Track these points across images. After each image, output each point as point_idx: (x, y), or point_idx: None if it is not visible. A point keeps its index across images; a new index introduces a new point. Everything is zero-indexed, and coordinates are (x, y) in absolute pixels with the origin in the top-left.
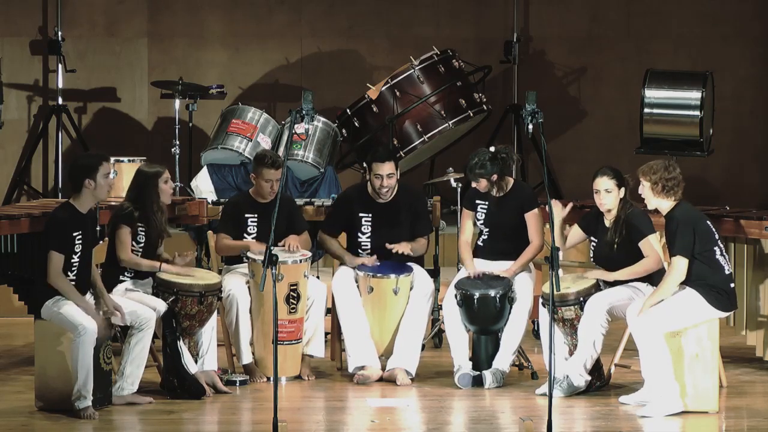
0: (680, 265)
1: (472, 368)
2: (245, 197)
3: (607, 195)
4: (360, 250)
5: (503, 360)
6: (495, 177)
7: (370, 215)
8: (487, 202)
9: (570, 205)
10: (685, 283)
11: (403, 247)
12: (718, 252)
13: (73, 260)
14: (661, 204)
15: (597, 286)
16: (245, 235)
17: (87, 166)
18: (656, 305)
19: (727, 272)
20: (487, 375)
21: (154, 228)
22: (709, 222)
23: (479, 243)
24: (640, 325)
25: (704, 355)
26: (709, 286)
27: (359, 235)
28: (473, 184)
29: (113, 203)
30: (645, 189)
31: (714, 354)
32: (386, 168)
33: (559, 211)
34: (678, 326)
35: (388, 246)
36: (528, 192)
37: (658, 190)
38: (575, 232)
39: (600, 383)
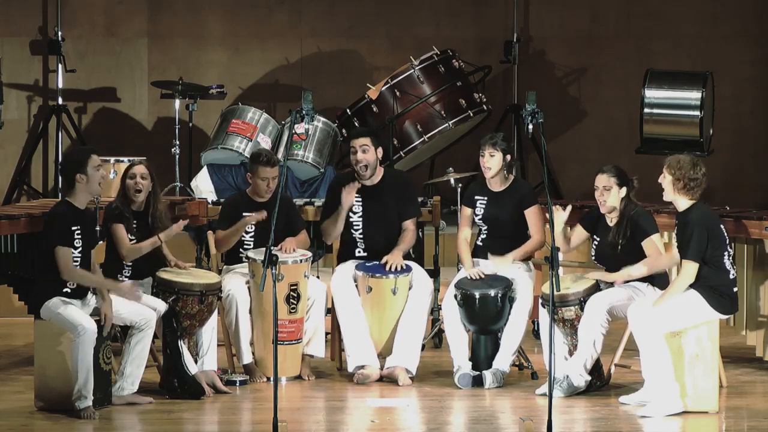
0: (690, 270)
1: (472, 368)
2: (243, 196)
3: (606, 192)
4: (352, 230)
5: (503, 360)
6: (509, 157)
7: (360, 196)
8: (485, 198)
9: (569, 208)
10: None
11: (395, 259)
12: (726, 256)
13: (73, 255)
14: (678, 201)
15: (597, 287)
16: (244, 233)
17: (76, 161)
18: (657, 305)
19: (731, 276)
20: (487, 375)
21: (143, 224)
22: (722, 226)
23: (478, 242)
24: (640, 325)
25: (704, 355)
26: (712, 288)
27: (350, 215)
28: (485, 162)
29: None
30: (665, 181)
31: (714, 354)
32: (360, 141)
33: (560, 215)
34: (678, 327)
35: (381, 262)
36: (527, 189)
37: (680, 187)
38: (578, 233)
39: (600, 383)
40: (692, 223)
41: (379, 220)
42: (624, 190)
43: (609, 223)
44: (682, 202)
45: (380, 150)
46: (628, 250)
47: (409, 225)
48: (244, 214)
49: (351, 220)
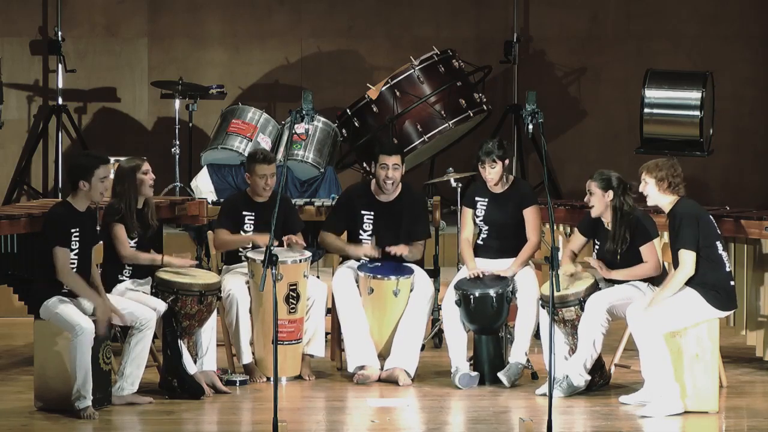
0: (688, 259)
1: (474, 368)
2: (242, 195)
3: (591, 197)
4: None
5: (518, 353)
6: (507, 162)
7: (373, 213)
8: (486, 199)
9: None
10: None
11: (401, 249)
12: (720, 247)
13: (71, 257)
14: (663, 200)
15: (597, 286)
16: (242, 232)
17: (83, 167)
18: (656, 305)
19: (727, 269)
20: (502, 377)
21: (143, 221)
22: (711, 216)
23: (479, 242)
24: (640, 325)
25: (704, 355)
26: (709, 285)
27: (360, 232)
28: (486, 174)
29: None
30: (649, 186)
31: (714, 354)
32: (393, 159)
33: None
34: (678, 326)
35: (387, 249)
36: (527, 189)
37: (664, 187)
38: (577, 239)
39: (602, 381)
40: (679, 215)
41: (388, 239)
42: (610, 193)
43: (607, 227)
44: (667, 201)
45: (404, 168)
46: (629, 255)
47: (418, 243)
48: (242, 212)
49: (360, 238)
